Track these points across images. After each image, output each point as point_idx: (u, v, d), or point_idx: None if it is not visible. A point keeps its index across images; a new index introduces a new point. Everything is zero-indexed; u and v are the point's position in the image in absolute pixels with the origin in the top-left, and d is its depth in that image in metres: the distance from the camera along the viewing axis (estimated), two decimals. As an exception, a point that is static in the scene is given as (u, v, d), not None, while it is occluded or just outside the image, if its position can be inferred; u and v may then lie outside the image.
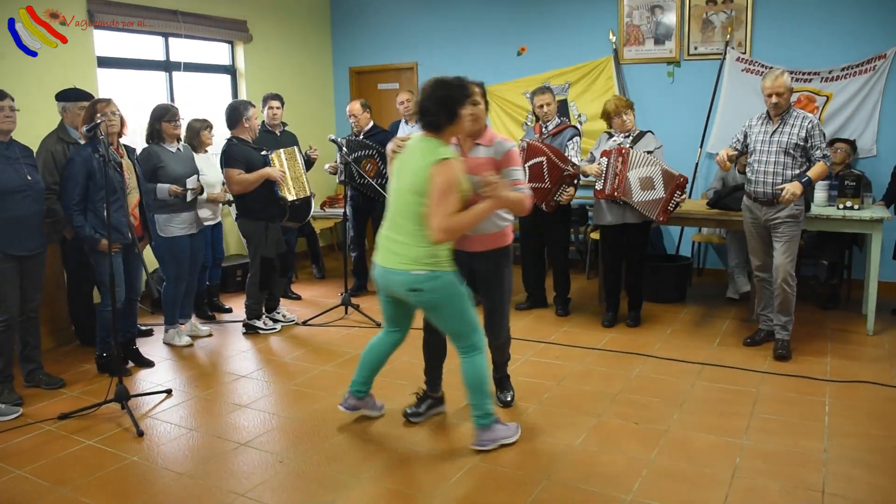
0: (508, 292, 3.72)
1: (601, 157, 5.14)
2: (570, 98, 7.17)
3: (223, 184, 5.51)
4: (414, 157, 3.18)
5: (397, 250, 3.22)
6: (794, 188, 4.40)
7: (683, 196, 5.03)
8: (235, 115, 5.23)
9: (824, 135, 4.51)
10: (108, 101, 4.37)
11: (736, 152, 4.73)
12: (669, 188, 4.95)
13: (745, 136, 4.68)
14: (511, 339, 3.91)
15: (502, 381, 4.06)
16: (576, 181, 5.32)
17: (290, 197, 5.37)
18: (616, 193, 5.04)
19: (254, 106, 5.37)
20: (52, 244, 4.91)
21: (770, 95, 4.44)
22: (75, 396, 4.26)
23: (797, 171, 4.46)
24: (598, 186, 5.15)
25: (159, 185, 4.86)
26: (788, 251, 4.52)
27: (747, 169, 4.68)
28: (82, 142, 4.45)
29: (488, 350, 3.57)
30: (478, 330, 3.37)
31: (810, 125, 4.42)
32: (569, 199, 5.32)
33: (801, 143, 4.43)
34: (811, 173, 4.43)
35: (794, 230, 4.52)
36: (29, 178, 4.13)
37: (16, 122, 4.09)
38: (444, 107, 3.13)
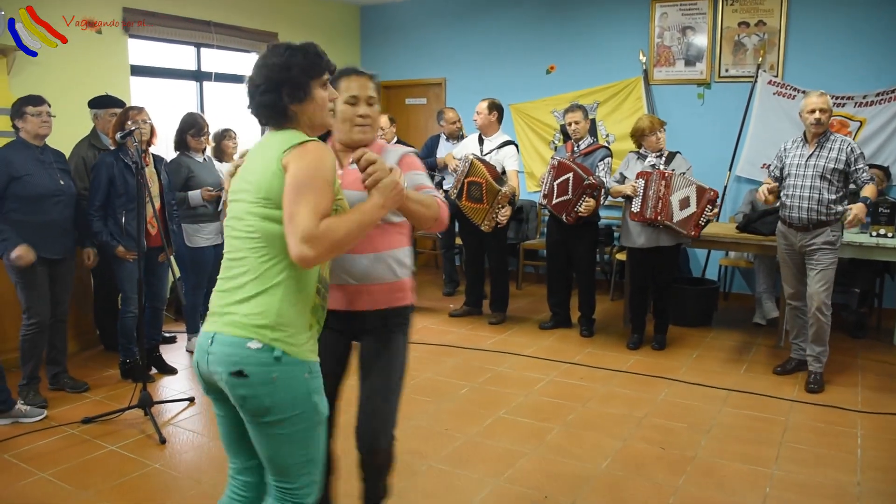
0: (399, 377, 2.42)
1: (637, 178, 5.07)
2: (599, 118, 7.14)
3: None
4: (256, 156, 2.00)
5: (223, 302, 1.96)
6: (859, 210, 4.21)
7: (715, 210, 4.97)
8: None
9: (864, 156, 4.44)
10: (141, 110, 4.40)
11: (777, 183, 4.64)
12: (701, 203, 4.90)
13: (781, 160, 4.62)
14: (394, 456, 2.50)
15: None
16: (595, 193, 5.23)
17: None
18: (659, 217, 4.97)
19: None
20: (82, 249, 4.96)
21: (813, 111, 4.33)
22: (99, 401, 4.27)
23: (834, 197, 4.36)
24: (635, 209, 5.05)
25: (191, 192, 4.88)
26: (823, 279, 4.43)
27: (782, 194, 4.60)
28: (112, 148, 4.49)
29: (358, 468, 2.47)
30: (318, 469, 2.04)
31: (850, 149, 4.33)
32: (588, 210, 5.20)
33: (840, 168, 4.34)
34: (868, 194, 4.31)
35: (830, 258, 4.43)
36: (61, 182, 4.17)
37: (52, 127, 4.14)
38: (290, 79, 1.94)
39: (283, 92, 1.93)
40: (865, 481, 3.33)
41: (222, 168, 5.51)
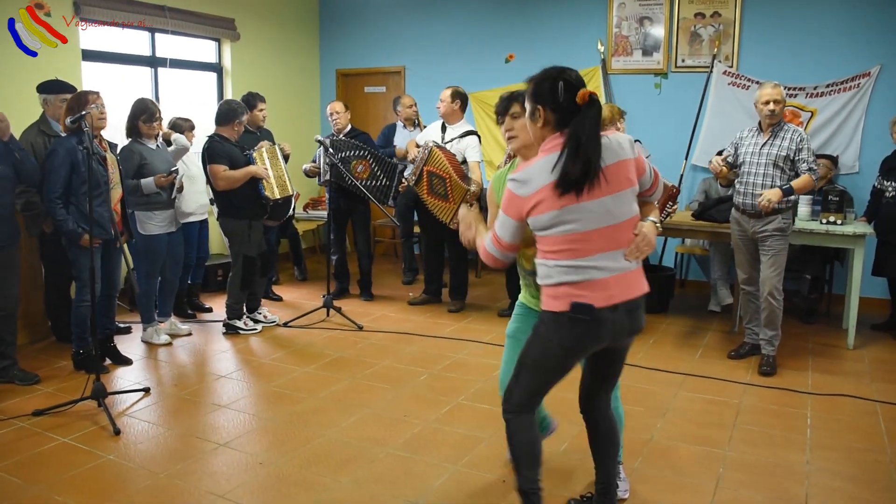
0: (521, 359, 2.60)
1: None
2: (558, 107, 7.16)
3: (206, 181, 5.45)
4: None
5: None
6: (771, 194, 4.39)
7: (675, 206, 5.04)
8: (231, 115, 5.18)
9: (812, 150, 4.54)
10: (98, 94, 4.30)
11: (728, 164, 4.73)
12: (662, 198, 4.95)
13: (736, 149, 4.70)
14: (507, 425, 2.65)
15: None
16: None
17: (274, 196, 5.31)
18: None
19: (248, 113, 5.34)
20: (31, 238, 4.83)
21: (768, 103, 4.45)
22: (50, 393, 4.17)
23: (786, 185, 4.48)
24: None
25: (143, 180, 4.78)
26: (775, 265, 4.54)
27: (737, 181, 4.69)
28: (64, 134, 4.37)
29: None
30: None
31: (799, 138, 4.45)
32: None
33: (792, 157, 4.46)
34: (794, 183, 4.44)
35: (782, 244, 4.54)
36: None
37: (-4, 112, 4.02)
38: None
39: None
40: (815, 460, 3.42)
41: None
